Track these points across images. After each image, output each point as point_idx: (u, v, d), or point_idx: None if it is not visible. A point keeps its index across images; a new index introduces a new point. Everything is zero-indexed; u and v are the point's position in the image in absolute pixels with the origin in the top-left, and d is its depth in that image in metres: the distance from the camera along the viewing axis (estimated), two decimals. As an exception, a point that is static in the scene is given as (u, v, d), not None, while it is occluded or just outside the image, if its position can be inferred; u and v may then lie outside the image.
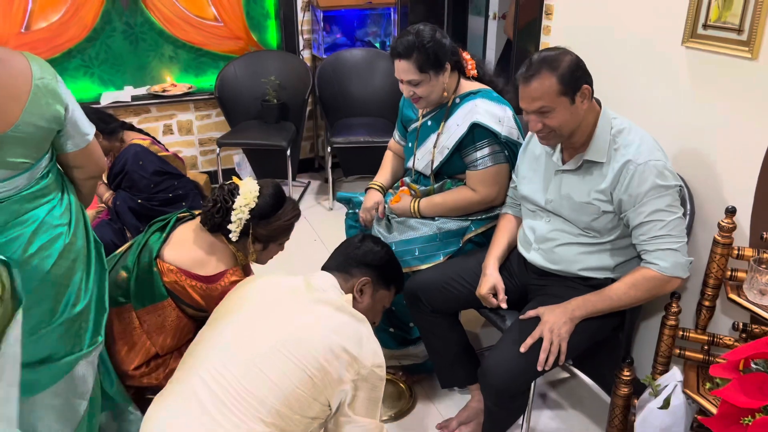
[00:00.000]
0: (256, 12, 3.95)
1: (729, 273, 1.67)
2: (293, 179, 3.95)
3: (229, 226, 1.82)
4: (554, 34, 2.43)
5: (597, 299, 1.72)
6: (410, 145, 2.25)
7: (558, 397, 2.31)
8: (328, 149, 3.68)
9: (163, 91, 3.80)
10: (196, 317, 1.87)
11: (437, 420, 2.17)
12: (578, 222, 1.77)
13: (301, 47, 4.08)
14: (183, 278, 1.79)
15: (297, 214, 1.95)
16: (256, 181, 1.90)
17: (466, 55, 2.12)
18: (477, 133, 2.03)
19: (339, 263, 1.70)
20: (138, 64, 3.84)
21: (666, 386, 1.72)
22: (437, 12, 4.32)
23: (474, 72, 2.13)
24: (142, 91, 3.84)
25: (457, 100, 2.10)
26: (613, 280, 1.75)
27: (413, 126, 2.24)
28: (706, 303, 1.73)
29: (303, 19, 4.02)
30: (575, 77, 1.62)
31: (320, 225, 3.62)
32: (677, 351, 1.79)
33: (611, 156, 1.69)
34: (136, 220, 2.65)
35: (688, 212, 1.84)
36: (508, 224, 2.02)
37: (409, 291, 2.03)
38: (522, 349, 1.67)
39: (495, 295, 1.88)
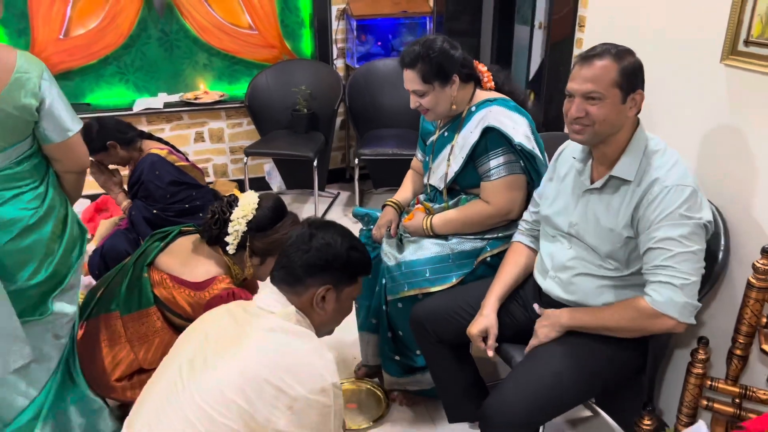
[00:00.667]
0: (290, 20, 3.91)
1: (765, 320, 1.49)
2: (322, 190, 3.88)
3: (226, 238, 1.81)
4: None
5: (584, 311, 1.63)
6: (427, 159, 2.16)
7: (578, 438, 2.14)
8: (356, 160, 3.59)
9: (195, 98, 3.80)
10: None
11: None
12: (600, 250, 1.62)
13: (334, 56, 4.01)
14: (171, 284, 1.78)
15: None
16: (258, 194, 1.88)
17: (482, 67, 2.03)
18: (491, 139, 1.92)
19: (283, 275, 1.36)
20: (172, 71, 3.86)
21: (689, 442, 1.55)
22: (475, 21, 4.19)
23: (491, 84, 2.04)
24: (175, 98, 3.85)
25: (473, 109, 2.00)
26: None
27: (431, 139, 2.15)
28: (738, 352, 1.55)
29: (337, 27, 3.95)
30: (636, 77, 1.52)
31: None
32: (704, 402, 1.61)
33: (641, 177, 1.55)
34: (150, 230, 2.62)
35: (722, 248, 1.66)
36: (517, 257, 1.87)
37: (415, 318, 1.92)
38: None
39: (486, 338, 1.74)
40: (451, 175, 2.02)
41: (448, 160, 2.03)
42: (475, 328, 1.75)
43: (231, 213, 1.81)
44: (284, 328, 1.25)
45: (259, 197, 1.87)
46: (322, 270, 1.35)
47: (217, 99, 3.82)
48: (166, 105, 3.77)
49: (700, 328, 1.79)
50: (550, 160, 1.86)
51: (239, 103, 3.84)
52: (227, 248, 1.82)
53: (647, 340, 1.64)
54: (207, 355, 1.23)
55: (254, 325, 1.26)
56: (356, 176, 3.65)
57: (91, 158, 2.13)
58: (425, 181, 2.17)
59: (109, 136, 2.58)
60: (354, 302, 1.66)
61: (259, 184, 4.10)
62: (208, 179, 4.02)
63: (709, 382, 1.60)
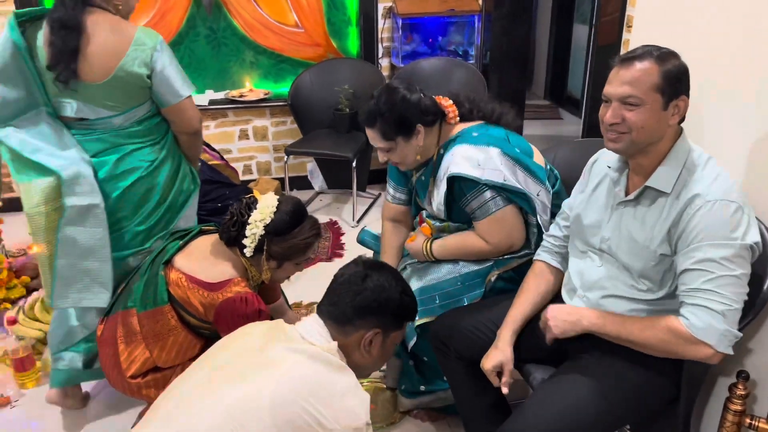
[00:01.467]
0: (336, 18, 3.88)
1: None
2: (362, 190, 3.84)
3: (244, 241, 1.79)
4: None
5: (610, 320, 1.49)
6: (416, 198, 2.07)
7: (609, 465, 2.00)
8: (396, 162, 3.52)
9: (240, 96, 3.82)
10: (200, 330, 1.83)
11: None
12: (633, 268, 1.50)
13: (380, 55, 3.95)
14: (187, 284, 1.78)
15: (316, 234, 1.87)
16: (277, 197, 1.85)
17: (444, 102, 1.89)
18: (462, 183, 1.81)
19: (334, 311, 1.34)
20: (219, 68, 3.89)
21: (723, 485, 1.41)
22: (529, 19, 4.04)
23: (455, 118, 1.89)
24: (221, 95, 3.88)
25: (441, 151, 1.89)
26: None
27: (412, 180, 2.05)
28: (782, 390, 1.40)
29: (383, 26, 3.89)
30: (679, 81, 1.39)
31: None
32: (743, 442, 1.47)
33: (680, 189, 1.42)
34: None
35: (771, 274, 1.50)
36: (538, 281, 1.73)
37: (435, 334, 1.84)
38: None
39: (501, 373, 1.64)
40: (442, 217, 1.94)
41: (431, 202, 1.94)
42: (489, 363, 1.64)
43: (249, 215, 1.79)
44: (326, 359, 1.24)
45: (278, 200, 1.83)
46: (373, 313, 1.34)
47: (261, 97, 3.83)
48: (212, 102, 3.81)
49: (740, 359, 1.63)
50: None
51: (283, 102, 3.83)
52: (244, 250, 1.80)
53: (681, 367, 1.50)
54: (242, 367, 1.22)
55: (296, 348, 1.25)
56: (396, 178, 3.58)
57: None
58: (426, 208, 2.05)
59: None
60: None
61: (301, 182, 4.09)
62: (251, 177, 4.05)
63: (749, 420, 1.46)
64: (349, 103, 3.68)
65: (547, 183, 1.87)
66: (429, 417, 2.15)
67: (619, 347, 1.53)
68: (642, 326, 1.44)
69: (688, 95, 1.41)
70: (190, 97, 2.01)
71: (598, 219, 1.59)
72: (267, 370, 1.20)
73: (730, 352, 1.35)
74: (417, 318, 1.85)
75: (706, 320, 1.34)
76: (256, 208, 1.80)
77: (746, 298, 1.37)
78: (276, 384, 1.16)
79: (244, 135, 3.97)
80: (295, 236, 1.81)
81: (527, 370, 1.74)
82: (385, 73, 3.94)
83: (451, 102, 1.90)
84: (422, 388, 2.05)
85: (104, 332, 1.89)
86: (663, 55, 1.38)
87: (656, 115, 1.38)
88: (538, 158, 1.91)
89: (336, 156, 3.48)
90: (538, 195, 1.84)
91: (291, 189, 3.94)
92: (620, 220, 1.53)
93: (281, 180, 3.94)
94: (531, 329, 1.70)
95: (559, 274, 1.74)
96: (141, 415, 2.05)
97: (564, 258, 1.74)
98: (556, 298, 1.74)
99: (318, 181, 4.07)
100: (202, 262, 1.83)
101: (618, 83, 1.40)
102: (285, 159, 3.59)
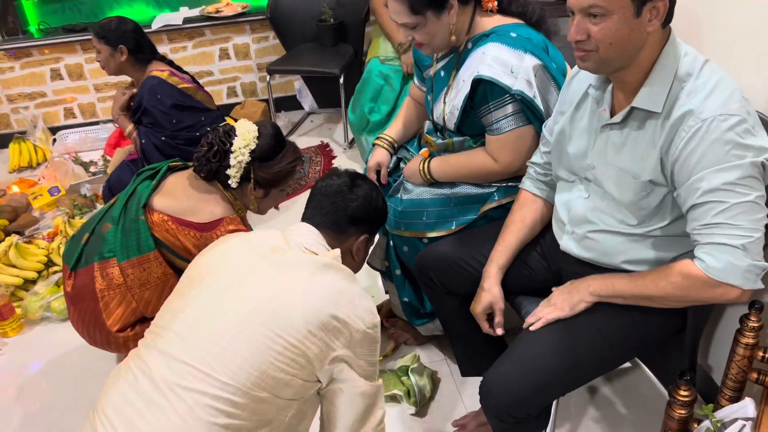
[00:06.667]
0: None
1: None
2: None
3: (228, 171, 1.70)
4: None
5: (619, 281, 1.33)
6: (427, 96, 1.82)
7: (612, 392, 1.91)
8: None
9: (217, 11, 3.54)
10: None
11: (462, 413, 1.87)
12: (622, 199, 1.31)
13: (364, -45, 3.61)
14: (174, 226, 1.68)
15: (299, 157, 1.80)
16: (253, 122, 1.74)
17: None
18: (488, 88, 1.56)
19: (330, 220, 1.37)
20: (193, -19, 3.59)
21: (731, 423, 1.29)
22: None
23: (493, 5, 1.62)
24: (196, 12, 3.60)
25: (469, 45, 1.63)
26: None
27: (428, 73, 1.80)
28: (800, 321, 1.25)
29: None
30: None
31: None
32: (754, 376, 1.33)
33: (671, 106, 1.20)
34: (163, 158, 2.47)
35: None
36: (523, 212, 1.55)
37: (420, 267, 1.71)
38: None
39: (492, 316, 1.50)
40: (449, 125, 1.71)
41: (445, 102, 1.70)
42: (478, 306, 1.50)
43: (231, 144, 1.68)
44: (336, 267, 1.26)
45: (257, 125, 1.73)
46: (364, 220, 1.40)
47: (239, 11, 3.54)
48: (186, 20, 3.54)
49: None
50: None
51: (263, 15, 3.54)
52: (229, 182, 1.71)
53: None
54: (260, 279, 1.22)
55: (306, 259, 1.25)
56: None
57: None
58: (430, 116, 1.84)
59: (123, 39, 2.39)
60: None
61: (289, 103, 3.86)
62: (236, 99, 3.83)
63: (761, 353, 1.32)
64: (333, 12, 3.39)
65: None
66: (416, 341, 2.09)
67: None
68: (655, 278, 1.27)
69: None
70: None
71: (582, 144, 1.38)
72: (286, 282, 1.20)
73: (760, 285, 1.19)
74: (402, 230, 1.76)
75: (725, 259, 1.16)
76: (236, 135, 1.69)
77: (767, 220, 1.19)
78: (302, 294, 1.18)
79: (224, 54, 3.71)
80: (280, 161, 1.75)
81: (519, 302, 1.61)
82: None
83: None
84: (405, 299, 1.93)
85: (75, 287, 1.76)
86: None
87: (627, 25, 1.14)
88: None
89: (321, 73, 3.24)
90: None
91: (278, 111, 3.72)
92: (605, 146, 1.33)
93: (266, 102, 3.72)
94: (520, 261, 1.56)
95: (546, 203, 1.56)
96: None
97: (549, 186, 1.56)
98: (547, 228, 1.58)
99: (307, 101, 3.84)
100: (185, 201, 1.73)
101: None
102: (267, 79, 3.35)
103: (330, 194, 1.39)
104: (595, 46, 1.17)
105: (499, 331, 1.50)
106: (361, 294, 1.24)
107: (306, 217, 1.38)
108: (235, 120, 2.71)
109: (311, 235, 1.33)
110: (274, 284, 1.20)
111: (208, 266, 1.31)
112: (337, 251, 1.32)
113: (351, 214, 1.37)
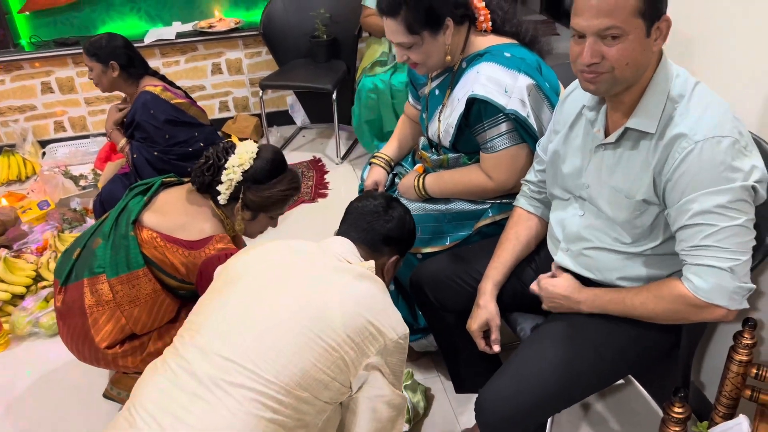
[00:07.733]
0: (308, -66, 3.54)
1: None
2: (346, 124, 3.62)
3: (219, 187, 1.68)
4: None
5: (609, 299, 1.35)
6: (423, 115, 1.83)
7: (606, 409, 1.91)
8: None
9: (210, 27, 3.55)
10: (179, 291, 1.73)
11: (456, 430, 1.86)
12: (617, 218, 1.32)
13: (358, -27, 3.64)
14: (163, 243, 1.65)
15: (295, 188, 1.76)
16: (257, 144, 1.73)
17: (477, 2, 1.62)
18: (482, 107, 1.57)
19: (366, 237, 1.42)
20: (185, -3, 3.60)
21: (726, 440, 1.30)
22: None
23: (487, 25, 1.63)
24: (189, 27, 3.61)
25: (464, 65, 1.64)
26: None
27: (422, 92, 1.81)
28: (793, 338, 1.26)
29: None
30: None
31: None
32: (748, 392, 1.35)
33: (664, 127, 1.22)
34: (155, 174, 2.46)
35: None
36: (518, 228, 1.56)
37: (414, 282, 1.71)
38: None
39: (488, 334, 1.50)
40: (444, 143, 1.72)
41: (439, 120, 1.71)
42: (474, 323, 1.50)
43: (226, 160, 1.67)
44: (371, 278, 1.29)
45: (258, 147, 1.72)
46: (397, 241, 1.45)
47: (232, 27, 3.56)
48: (179, 35, 3.54)
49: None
50: None
51: (256, 31, 3.56)
52: (218, 197, 1.69)
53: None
54: (299, 283, 1.25)
55: (343, 267, 1.29)
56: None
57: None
58: (425, 134, 1.85)
59: (114, 55, 2.39)
60: None
61: (281, 118, 3.87)
62: (228, 114, 3.83)
63: (755, 371, 1.33)
64: (326, 29, 3.41)
65: None
66: (412, 357, 2.07)
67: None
68: (644, 297, 1.29)
69: (666, 11, 1.18)
70: None
71: (576, 163, 1.40)
72: (325, 286, 1.24)
73: (745, 305, 1.20)
74: None
75: (712, 281, 1.18)
76: (234, 153, 1.69)
77: (754, 243, 1.20)
78: (340, 299, 1.21)
79: (217, 69, 3.72)
80: (273, 186, 1.71)
81: (513, 319, 1.62)
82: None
83: (484, 4, 1.63)
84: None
85: (65, 302, 1.74)
86: None
87: (641, 45, 1.16)
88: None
89: (313, 88, 3.25)
90: None
91: (270, 125, 3.73)
92: (600, 166, 1.34)
93: (259, 117, 3.72)
94: (515, 278, 1.56)
95: (541, 220, 1.57)
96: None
97: (543, 203, 1.57)
98: (542, 245, 1.59)
99: (299, 116, 3.85)
100: (176, 218, 1.70)
101: (592, 13, 1.14)
102: (260, 94, 3.36)
103: (366, 213, 1.44)
104: (610, 67, 1.17)
105: (496, 348, 1.50)
106: (391, 305, 1.28)
107: (341, 232, 1.43)
108: (228, 135, 2.73)
109: (347, 246, 1.37)
110: (313, 288, 1.23)
111: (245, 266, 1.32)
112: (372, 262, 1.35)
113: (385, 234, 1.42)
